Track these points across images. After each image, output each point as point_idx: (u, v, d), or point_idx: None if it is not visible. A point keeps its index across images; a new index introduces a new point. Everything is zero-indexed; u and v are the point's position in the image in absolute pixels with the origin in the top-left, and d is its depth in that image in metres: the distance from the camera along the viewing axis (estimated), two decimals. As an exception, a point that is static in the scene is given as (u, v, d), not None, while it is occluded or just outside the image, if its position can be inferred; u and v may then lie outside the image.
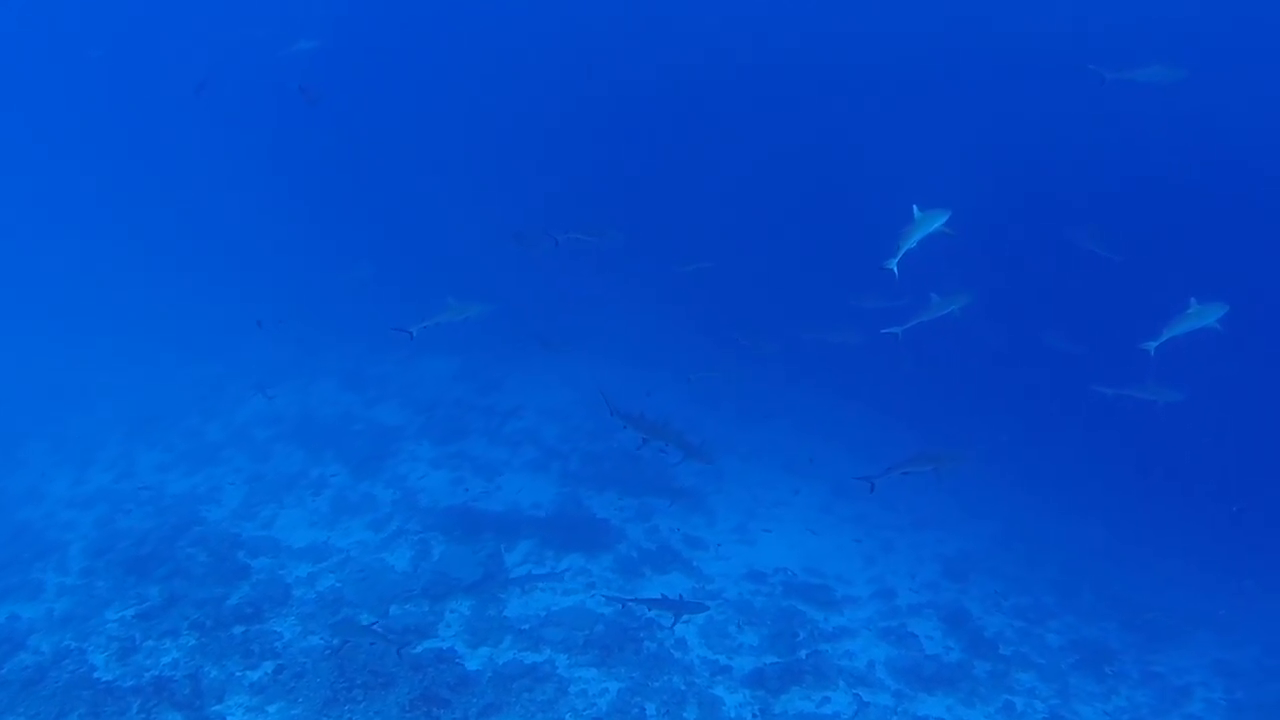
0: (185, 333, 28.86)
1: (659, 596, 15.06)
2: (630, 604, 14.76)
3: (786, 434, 24.85)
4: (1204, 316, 12.34)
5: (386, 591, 14.49)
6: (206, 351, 27.54)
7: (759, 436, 24.23)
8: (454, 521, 17.48)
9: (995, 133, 31.13)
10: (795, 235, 31.76)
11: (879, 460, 26.08)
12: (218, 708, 11.31)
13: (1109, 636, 17.87)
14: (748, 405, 24.92)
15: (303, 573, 15.22)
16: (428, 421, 22.58)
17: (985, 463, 13.55)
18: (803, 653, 14.81)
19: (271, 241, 38.37)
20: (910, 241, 11.33)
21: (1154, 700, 15.63)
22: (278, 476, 19.12)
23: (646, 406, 15.55)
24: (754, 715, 12.83)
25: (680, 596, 14.98)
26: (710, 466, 16.95)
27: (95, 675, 12.31)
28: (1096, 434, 25.83)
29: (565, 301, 29.71)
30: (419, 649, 13.06)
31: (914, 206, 11.28)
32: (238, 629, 13.18)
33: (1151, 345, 12.24)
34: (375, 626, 13.16)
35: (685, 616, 14.35)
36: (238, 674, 12.08)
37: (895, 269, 11.35)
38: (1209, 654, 18.11)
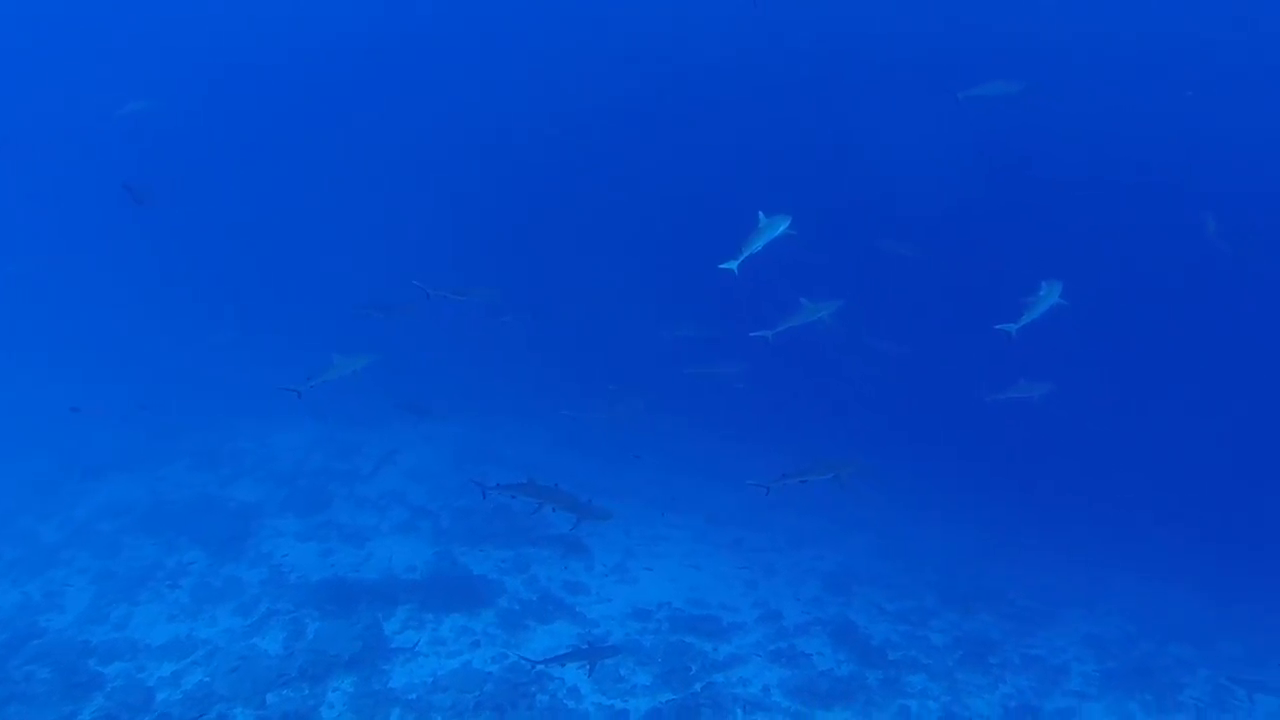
0: (7, 425, 26.85)
1: (568, 650, 14.91)
2: (540, 665, 14.58)
3: (654, 471, 25.05)
4: (1052, 294, 13.18)
5: (261, 679, 13.71)
6: (35, 443, 25.65)
7: (629, 476, 24.28)
8: (327, 595, 16.77)
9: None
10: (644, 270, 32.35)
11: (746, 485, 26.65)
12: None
13: (989, 629, 18.62)
14: (614, 448, 24.92)
15: (165, 672, 14.19)
16: (289, 494, 21.70)
17: (855, 478, 13.90)
18: (697, 686, 14.85)
19: (120, 315, 36.57)
20: (754, 245, 11.78)
21: (1036, 682, 16.36)
22: (129, 571, 17.82)
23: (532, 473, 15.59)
24: (656, 758, 12.70)
25: (588, 644, 14.82)
26: (606, 522, 16.76)
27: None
28: (953, 439, 27.17)
29: (419, 362, 29.15)
30: (302, 737, 12.45)
31: (759, 212, 11.71)
32: (89, 751, 12.16)
33: (1012, 328, 12.84)
34: None
35: (599, 662, 14.31)
36: (100, 796, 11.14)
37: (735, 269, 11.86)
38: (1079, 630, 19.14)
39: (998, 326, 13.18)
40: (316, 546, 19.25)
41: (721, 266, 12.00)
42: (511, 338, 25.95)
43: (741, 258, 11.86)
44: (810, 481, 13.44)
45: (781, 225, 11.84)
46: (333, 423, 26.52)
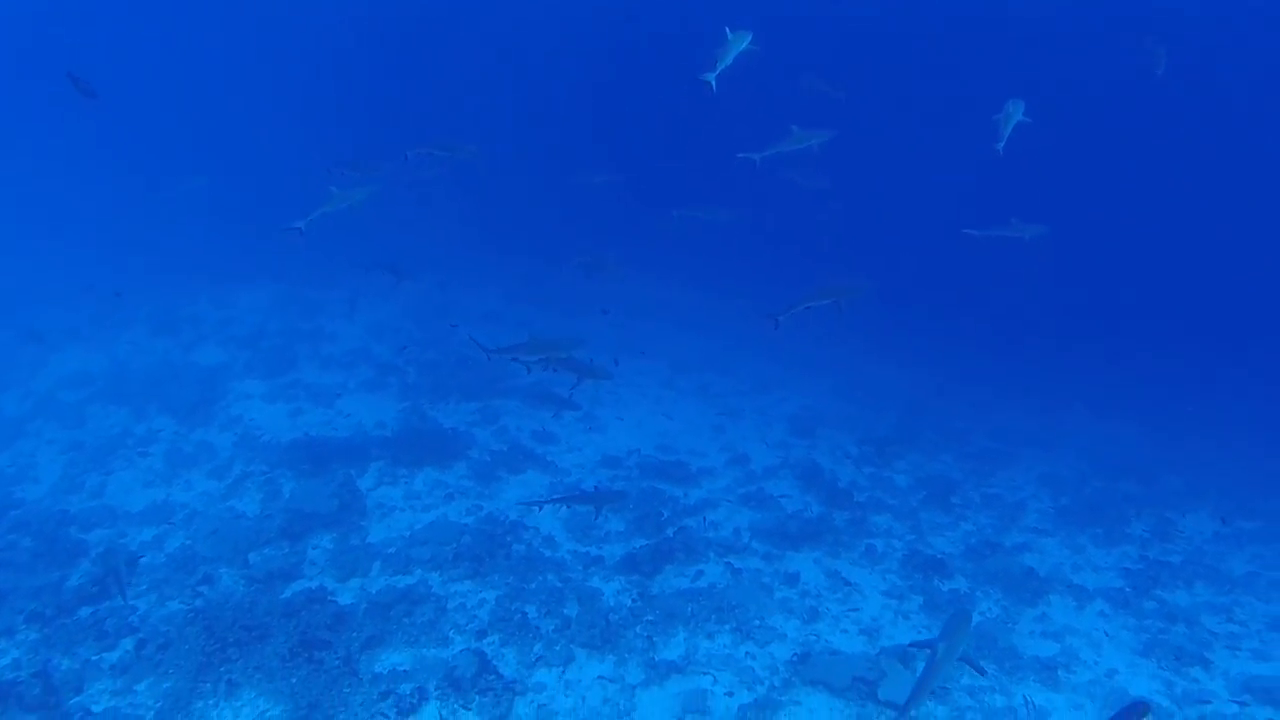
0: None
1: (577, 492, 15.12)
2: (546, 505, 14.75)
3: (619, 319, 25.16)
4: (1016, 112, 13.22)
5: (242, 540, 13.98)
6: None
7: (591, 327, 24.39)
8: (300, 455, 16.96)
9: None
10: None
11: (713, 333, 27.00)
12: (78, 699, 10.66)
13: (950, 469, 19.24)
14: (573, 300, 24.90)
15: (147, 537, 14.46)
16: (254, 356, 21.66)
17: (818, 323, 13.88)
18: (670, 531, 15.29)
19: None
20: (726, 59, 12.07)
21: (996, 520, 17.01)
22: (99, 440, 17.90)
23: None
24: (633, 600, 13.20)
25: (595, 488, 15.04)
26: (608, 382, 16.72)
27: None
28: (916, 282, 27.54)
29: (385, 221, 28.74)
30: (287, 593, 12.80)
31: (726, 28, 12.07)
32: (84, 611, 12.39)
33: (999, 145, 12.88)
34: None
35: (604, 509, 14.48)
36: (94, 659, 11.40)
37: (713, 82, 12.13)
38: (1035, 469, 19.83)
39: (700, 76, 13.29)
40: (285, 407, 19.35)
41: (701, 77, 12.20)
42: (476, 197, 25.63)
43: (717, 70, 12.11)
44: (814, 308, 13.22)
45: (745, 39, 12.15)
46: (293, 282, 26.27)
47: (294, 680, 10.84)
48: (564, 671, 11.56)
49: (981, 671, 11.67)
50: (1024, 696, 11.39)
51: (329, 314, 24.86)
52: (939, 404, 23.21)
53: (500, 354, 13.45)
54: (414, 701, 10.69)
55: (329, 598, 12.59)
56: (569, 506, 14.71)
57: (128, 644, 11.61)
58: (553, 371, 14.90)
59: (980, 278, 28.32)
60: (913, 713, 9.59)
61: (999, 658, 12.23)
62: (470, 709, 10.67)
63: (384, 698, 10.73)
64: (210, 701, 10.57)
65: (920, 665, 11.15)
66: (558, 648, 11.96)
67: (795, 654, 12.03)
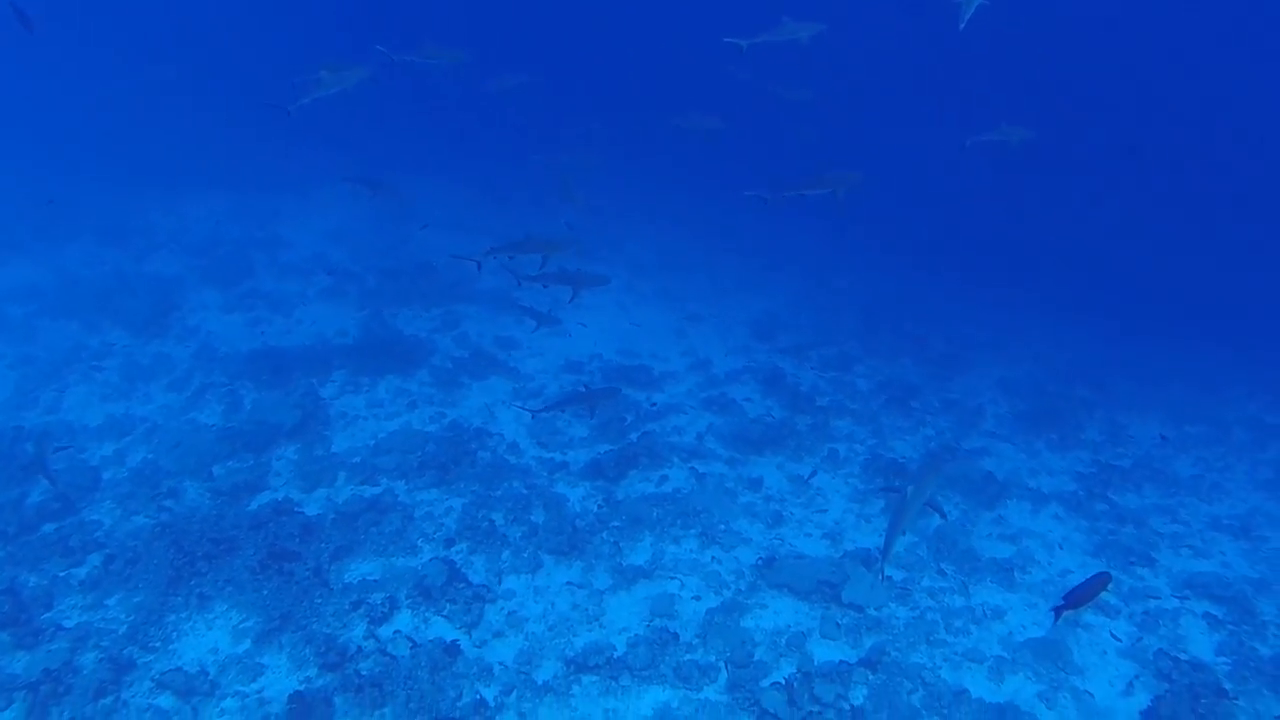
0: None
1: (567, 395, 15.02)
2: (541, 413, 14.62)
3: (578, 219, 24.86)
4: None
5: (205, 453, 13.86)
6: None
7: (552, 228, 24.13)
8: (260, 366, 16.76)
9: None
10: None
11: (687, 224, 26.84)
12: (49, 615, 10.65)
13: (909, 374, 19.41)
14: (534, 201, 24.53)
15: (108, 451, 14.27)
16: (209, 265, 21.16)
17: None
18: (633, 435, 15.37)
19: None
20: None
21: (955, 424, 17.25)
22: (51, 355, 17.43)
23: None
24: (599, 506, 13.35)
25: (586, 387, 14.95)
26: (606, 287, 16.46)
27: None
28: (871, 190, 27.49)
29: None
30: (253, 505, 12.78)
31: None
32: (48, 527, 12.30)
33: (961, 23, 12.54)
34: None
35: (598, 408, 14.37)
36: (61, 575, 11.35)
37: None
38: (992, 374, 20.06)
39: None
40: (243, 317, 19.03)
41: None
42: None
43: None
44: (808, 196, 12.92)
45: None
46: (247, 189, 25.62)
47: (265, 592, 10.91)
48: (532, 578, 11.73)
49: (944, 515, 12.11)
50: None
51: (285, 221, 24.33)
52: (898, 310, 23.36)
53: (492, 254, 12.74)
54: (385, 610, 10.81)
55: (295, 509, 12.62)
56: (563, 410, 14.57)
57: (95, 559, 11.56)
58: (543, 286, 14.60)
59: (938, 190, 28.40)
60: (890, 556, 10.07)
61: (958, 560, 12.56)
62: (441, 616, 10.82)
63: (355, 607, 10.84)
64: (183, 615, 10.62)
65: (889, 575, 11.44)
66: (526, 555, 12.11)
67: (760, 558, 12.27)
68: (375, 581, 11.34)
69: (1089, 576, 8.57)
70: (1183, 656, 10.94)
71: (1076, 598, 8.14)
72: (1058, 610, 8.16)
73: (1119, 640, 11.23)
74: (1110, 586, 8.28)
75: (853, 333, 21.42)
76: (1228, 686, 10.45)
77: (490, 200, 27.53)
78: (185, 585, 11.00)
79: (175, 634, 10.37)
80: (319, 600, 10.91)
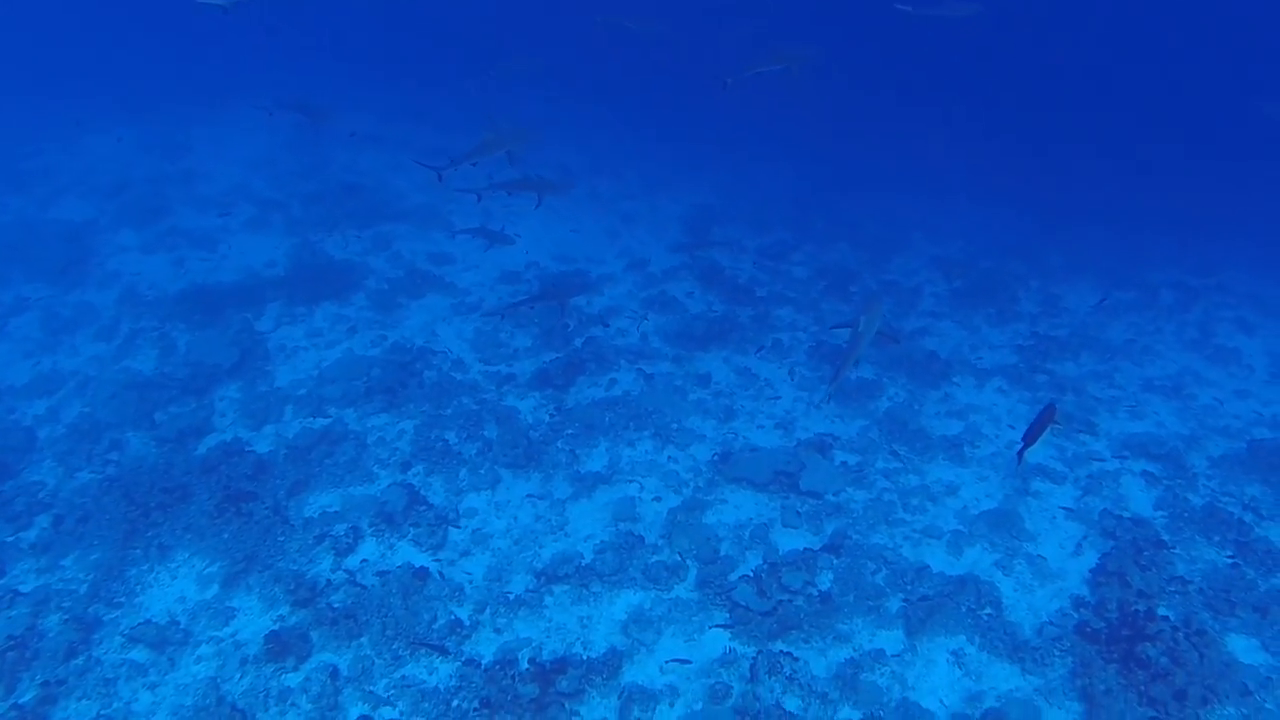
0: None
1: (536, 292, 14.55)
2: (509, 312, 14.20)
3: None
4: None
5: (144, 401, 13.53)
6: None
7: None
8: (190, 305, 16.25)
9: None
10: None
11: (611, 128, 26.38)
12: (3, 582, 10.44)
13: (846, 258, 19.50)
14: (459, 117, 23.89)
15: (39, 410, 13.76)
16: (121, 206, 20.24)
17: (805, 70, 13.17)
18: (578, 342, 15.33)
19: None
20: None
21: (895, 306, 17.43)
22: (-39, 312, 16.70)
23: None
24: (550, 415, 13.36)
25: (560, 282, 14.40)
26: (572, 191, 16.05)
27: None
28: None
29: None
30: (202, 449, 12.56)
31: None
32: (-14, 491, 11.95)
33: None
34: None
35: (567, 300, 14.24)
36: (9, 540, 11.07)
37: None
38: (926, 253, 20.24)
39: None
40: (166, 257, 18.34)
41: None
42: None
43: None
44: (765, 74, 12.65)
45: None
46: (152, 122, 24.48)
47: (226, 535, 10.81)
48: (492, 494, 11.79)
49: (896, 340, 12.51)
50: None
51: (198, 151, 23.35)
52: (830, 195, 23.38)
53: (455, 165, 12.10)
54: (350, 541, 10.80)
55: (246, 448, 12.45)
56: (532, 308, 14.22)
57: (44, 521, 11.28)
58: (507, 194, 13.95)
59: (862, 75, 28.21)
60: (839, 381, 10.31)
61: (909, 440, 12.87)
62: (407, 541, 10.85)
63: (319, 541, 10.82)
64: (144, 567, 10.49)
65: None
66: (483, 471, 12.15)
67: (716, 454, 12.45)
68: (336, 513, 11.31)
69: (1038, 412, 8.80)
70: (1125, 514, 11.44)
71: (1032, 435, 8.37)
72: (1019, 452, 8.39)
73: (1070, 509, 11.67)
74: (1057, 416, 8.51)
75: (787, 221, 21.41)
76: (1165, 537, 10.98)
77: (409, 115, 26.79)
78: (142, 537, 10.85)
79: (139, 587, 10.26)
80: (282, 538, 10.86)
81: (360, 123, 25.13)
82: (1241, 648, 9.42)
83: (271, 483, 11.77)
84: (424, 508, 11.30)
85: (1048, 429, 8.42)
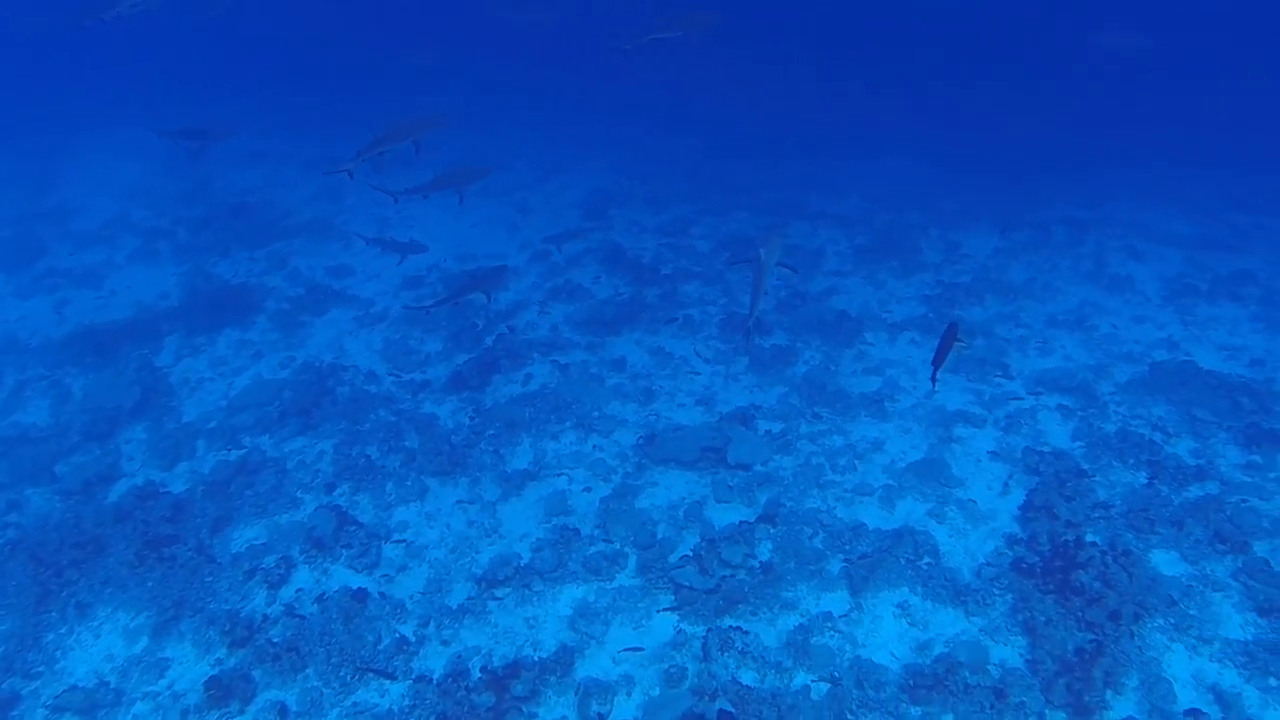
0: None
1: (458, 286, 14.13)
2: (434, 309, 13.36)
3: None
4: None
5: (42, 454, 12.91)
6: None
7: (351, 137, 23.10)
8: (81, 348, 15.60)
9: None
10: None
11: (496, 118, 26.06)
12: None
13: (746, 226, 19.63)
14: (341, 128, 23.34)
15: (-76, 479, 13.03)
16: (-10, 251, 19.30)
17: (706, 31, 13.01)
18: (489, 340, 15.17)
19: None
20: None
21: (801, 268, 17.40)
22: None
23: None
24: (470, 418, 13.20)
25: (482, 271, 14.10)
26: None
27: None
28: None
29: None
30: (112, 497, 12.07)
31: None
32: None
33: None
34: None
35: (491, 289, 13.73)
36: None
37: None
38: (827, 213, 20.49)
39: None
40: (46, 300, 17.55)
41: None
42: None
43: None
44: (664, 39, 12.58)
45: None
46: (14, 157, 23.34)
47: (150, 584, 10.42)
48: (422, 504, 11.62)
49: (794, 270, 12.99)
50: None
51: (68, 184, 22.36)
52: (725, 164, 23.51)
53: (362, 156, 11.53)
54: (282, 572, 10.52)
55: (160, 490, 12.00)
56: (456, 303, 13.68)
57: (-54, 595, 10.72)
58: (424, 197, 13.47)
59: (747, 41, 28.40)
60: (755, 315, 10.48)
61: (830, 401, 13.06)
62: (340, 564, 10.62)
63: (250, 576, 10.52)
64: (62, 630, 10.02)
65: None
66: (409, 482, 11.96)
67: (640, 437, 12.46)
68: (264, 545, 10.99)
69: (941, 333, 8.93)
70: (1045, 449, 11.82)
71: (939, 356, 8.48)
72: (932, 378, 8.51)
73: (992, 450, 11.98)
74: (960, 334, 8.67)
75: (685, 195, 21.46)
76: (1085, 466, 11.39)
77: (287, 131, 26.09)
78: (57, 599, 10.34)
79: (59, 652, 9.77)
80: (210, 578, 10.52)
81: (237, 141, 24.44)
82: (1164, 561, 9.85)
83: (192, 522, 11.38)
84: (354, 527, 11.07)
85: (953, 347, 8.53)
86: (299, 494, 11.92)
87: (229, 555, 10.90)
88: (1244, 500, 10.60)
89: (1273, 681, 8.38)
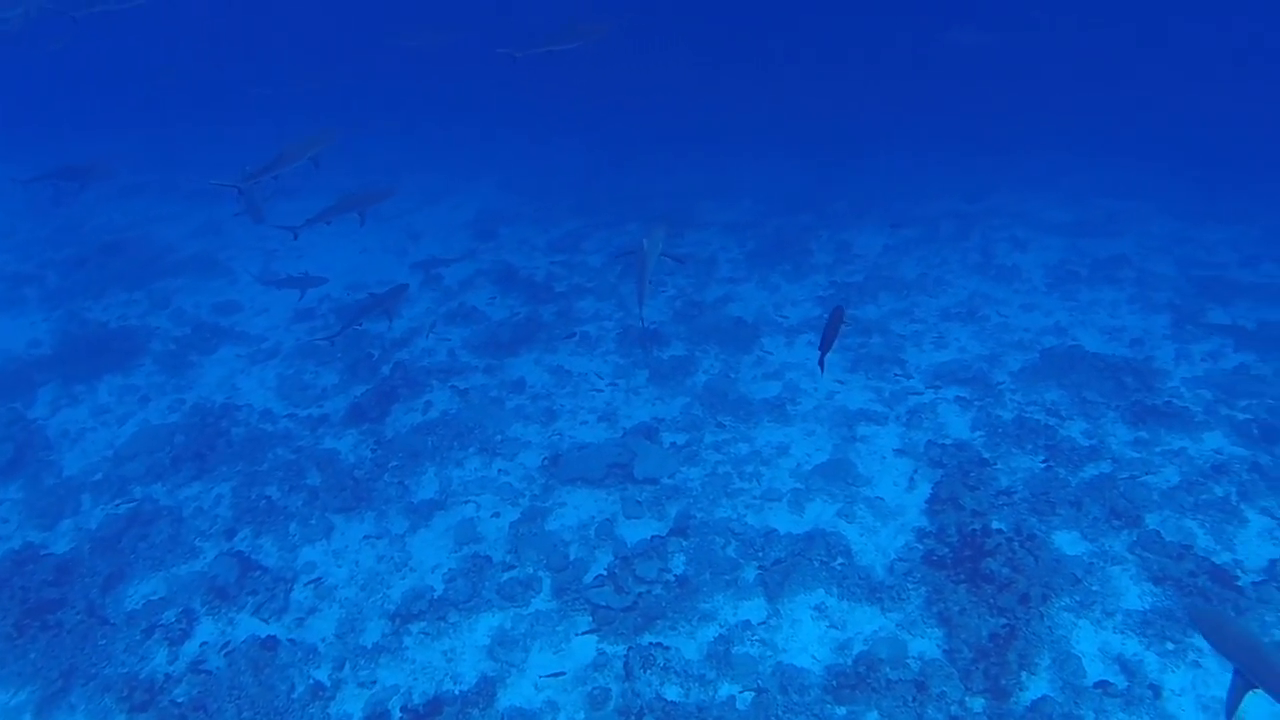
0: None
1: (359, 308, 13.62)
2: (339, 337, 13.03)
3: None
4: None
5: (-90, 523, 12.18)
6: None
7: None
8: (-53, 406, 14.75)
9: None
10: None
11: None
12: None
13: (637, 238, 19.58)
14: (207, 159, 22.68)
15: None
16: None
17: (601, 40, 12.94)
18: (385, 369, 14.91)
19: None
20: None
21: (693, 279, 17.75)
22: None
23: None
24: (372, 450, 12.94)
25: (383, 291, 13.77)
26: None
27: None
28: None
29: None
30: (-9, 562, 11.42)
31: None
32: None
33: None
34: None
35: (394, 308, 13.33)
36: None
37: None
38: (718, 220, 20.75)
39: None
40: (-97, 360, 16.58)
41: None
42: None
43: None
44: (557, 51, 12.49)
45: None
46: None
47: (33, 655, 9.83)
48: (328, 543, 11.32)
49: (681, 260, 13.18)
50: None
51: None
52: (613, 175, 23.59)
53: (255, 179, 11.26)
54: (184, 626, 10.11)
55: (41, 552, 11.35)
56: (360, 324, 13.30)
57: None
58: (327, 224, 12.96)
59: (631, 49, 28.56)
60: (644, 306, 10.08)
61: (732, 409, 13.19)
62: (246, 612, 10.27)
63: (149, 634, 10.07)
64: (-61, 718, 9.45)
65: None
66: (314, 521, 11.65)
67: (545, 458, 12.39)
68: (162, 599, 10.54)
69: (827, 318, 9.06)
70: (947, 441, 12.16)
71: (826, 341, 8.60)
72: (820, 362, 8.63)
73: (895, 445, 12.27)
74: (845, 316, 8.82)
75: (575, 209, 21.45)
76: (986, 455, 11.77)
77: (162, 164, 25.23)
78: (-58, 681, 9.76)
79: (-70, 745, 9.22)
80: (103, 641, 10.03)
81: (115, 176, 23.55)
82: (1066, 541, 10.23)
83: (80, 583, 10.83)
84: (259, 572, 10.72)
85: (839, 331, 8.67)
86: (198, 542, 11.49)
87: (124, 614, 10.41)
88: (1134, 476, 11.12)
89: (1169, 645, 8.79)
